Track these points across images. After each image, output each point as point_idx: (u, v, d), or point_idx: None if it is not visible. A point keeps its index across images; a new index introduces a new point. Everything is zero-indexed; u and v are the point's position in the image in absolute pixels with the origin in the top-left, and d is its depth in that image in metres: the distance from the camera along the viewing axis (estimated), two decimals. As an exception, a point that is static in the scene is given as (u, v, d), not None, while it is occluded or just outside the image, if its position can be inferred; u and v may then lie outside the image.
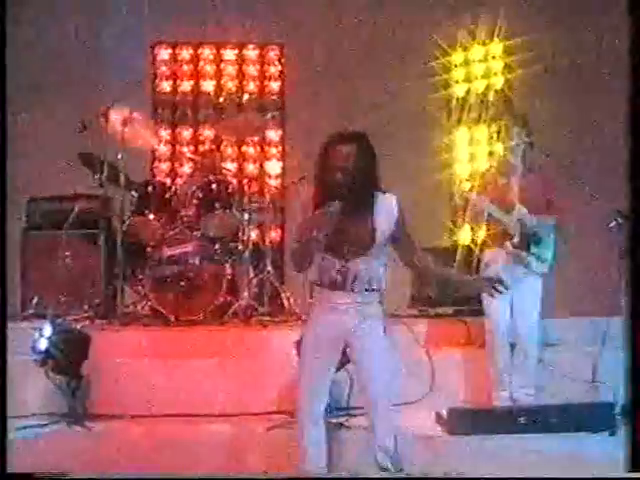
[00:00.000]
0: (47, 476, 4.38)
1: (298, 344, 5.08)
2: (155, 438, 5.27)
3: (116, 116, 6.89)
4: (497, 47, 7.97)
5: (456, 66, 8.15)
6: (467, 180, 6.05)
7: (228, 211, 7.01)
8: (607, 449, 4.98)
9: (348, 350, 4.51)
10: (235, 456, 5.14)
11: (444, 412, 5.36)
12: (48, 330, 5.33)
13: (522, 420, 5.26)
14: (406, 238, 4.41)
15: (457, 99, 8.16)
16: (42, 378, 5.45)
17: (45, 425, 5.30)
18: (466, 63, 8.11)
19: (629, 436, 4.35)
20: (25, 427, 5.24)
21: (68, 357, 5.34)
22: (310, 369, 4.50)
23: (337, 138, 4.35)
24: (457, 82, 8.12)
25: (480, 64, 8.03)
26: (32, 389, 5.53)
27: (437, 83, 8.11)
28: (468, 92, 8.09)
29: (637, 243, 4.47)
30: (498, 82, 7.94)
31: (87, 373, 5.44)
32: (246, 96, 8.46)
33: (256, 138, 8.47)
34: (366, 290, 4.38)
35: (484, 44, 8.00)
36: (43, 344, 5.29)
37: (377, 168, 4.37)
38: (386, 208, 4.35)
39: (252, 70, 8.76)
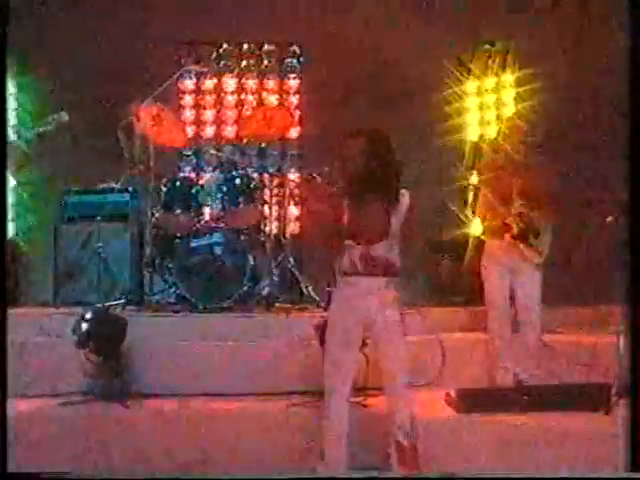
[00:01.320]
0: (47, 476, 4.54)
1: (317, 328, 5.36)
2: (186, 414, 5.49)
3: (146, 114, 7.07)
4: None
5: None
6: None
7: (251, 205, 7.24)
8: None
9: (367, 333, 4.79)
10: (259, 429, 5.37)
11: (453, 393, 5.59)
12: (89, 315, 5.57)
13: (524, 399, 5.50)
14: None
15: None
16: (77, 358, 5.72)
17: (85, 402, 5.56)
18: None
19: (629, 436, 4.47)
20: (66, 403, 5.52)
21: (107, 339, 5.58)
22: (335, 351, 4.77)
23: (354, 133, 4.72)
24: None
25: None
26: (71, 369, 5.79)
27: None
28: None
29: (635, 234, 4.63)
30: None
31: (123, 354, 5.71)
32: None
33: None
34: (385, 275, 4.69)
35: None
36: (84, 327, 5.52)
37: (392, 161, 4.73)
38: (402, 200, 4.72)
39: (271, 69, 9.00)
